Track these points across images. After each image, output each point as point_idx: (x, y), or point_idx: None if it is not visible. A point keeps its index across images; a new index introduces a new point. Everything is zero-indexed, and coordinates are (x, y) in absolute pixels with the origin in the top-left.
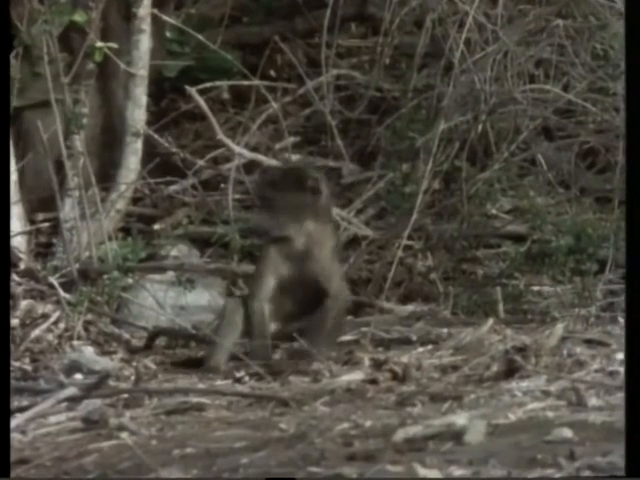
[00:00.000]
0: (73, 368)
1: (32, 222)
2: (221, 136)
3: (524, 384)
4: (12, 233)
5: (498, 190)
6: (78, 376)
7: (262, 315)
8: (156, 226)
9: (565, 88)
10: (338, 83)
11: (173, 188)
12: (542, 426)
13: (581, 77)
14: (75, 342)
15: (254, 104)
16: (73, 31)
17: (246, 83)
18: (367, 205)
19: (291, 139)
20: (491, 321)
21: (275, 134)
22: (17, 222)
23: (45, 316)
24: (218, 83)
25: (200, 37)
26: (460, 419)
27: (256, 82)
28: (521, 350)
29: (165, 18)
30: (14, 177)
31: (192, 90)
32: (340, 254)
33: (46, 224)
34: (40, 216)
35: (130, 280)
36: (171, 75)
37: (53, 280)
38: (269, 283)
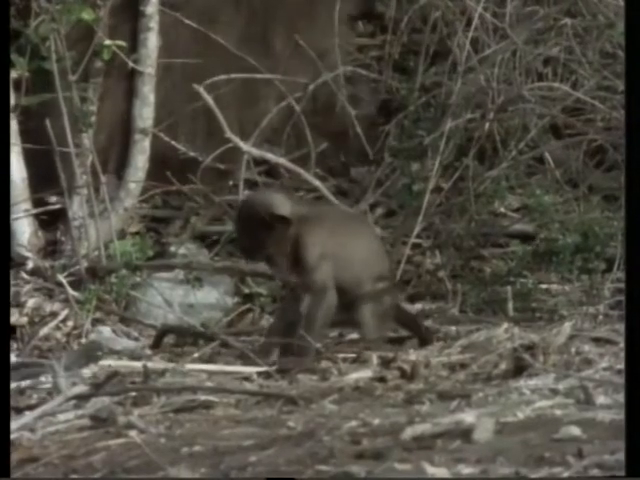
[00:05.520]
0: (93, 349)
1: (41, 220)
2: (229, 134)
3: (532, 382)
4: (20, 232)
5: (506, 188)
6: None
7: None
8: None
9: (573, 86)
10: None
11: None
12: (550, 424)
13: (589, 75)
14: (83, 340)
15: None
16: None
17: (258, 76)
18: (376, 204)
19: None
20: (506, 325)
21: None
22: (25, 220)
23: (53, 314)
24: (228, 76)
25: (210, 33)
26: (468, 417)
27: (268, 76)
28: (529, 348)
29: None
30: (23, 175)
31: (200, 88)
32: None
33: (55, 222)
34: (49, 214)
35: (138, 278)
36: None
37: (62, 278)
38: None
